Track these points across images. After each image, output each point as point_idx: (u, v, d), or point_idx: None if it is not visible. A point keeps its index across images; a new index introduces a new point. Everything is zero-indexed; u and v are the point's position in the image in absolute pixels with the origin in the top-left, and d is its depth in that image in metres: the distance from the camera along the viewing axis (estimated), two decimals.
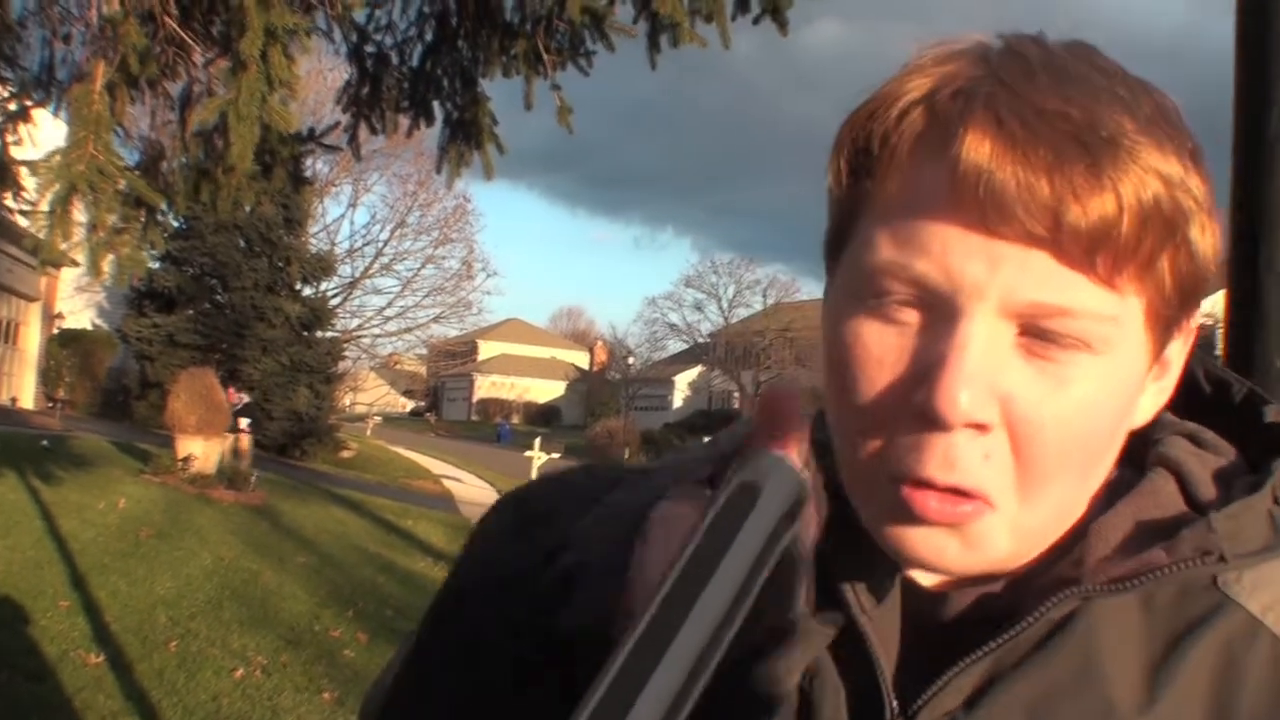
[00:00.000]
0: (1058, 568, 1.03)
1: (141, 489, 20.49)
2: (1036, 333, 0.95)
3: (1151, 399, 1.08)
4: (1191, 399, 1.17)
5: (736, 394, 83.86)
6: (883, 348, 0.98)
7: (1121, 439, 1.04)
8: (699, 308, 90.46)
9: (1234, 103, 2.55)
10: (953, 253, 0.94)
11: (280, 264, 41.34)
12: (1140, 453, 1.11)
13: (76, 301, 44.70)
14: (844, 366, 1.01)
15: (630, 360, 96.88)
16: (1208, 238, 0.98)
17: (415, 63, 8.34)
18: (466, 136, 8.25)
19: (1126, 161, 0.92)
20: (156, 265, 37.80)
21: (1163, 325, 1.01)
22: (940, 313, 0.96)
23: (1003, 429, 0.96)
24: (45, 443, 23.46)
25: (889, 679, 1.04)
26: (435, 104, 8.36)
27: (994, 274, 0.93)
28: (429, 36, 8.29)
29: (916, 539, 0.99)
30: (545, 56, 7.77)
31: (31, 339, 39.75)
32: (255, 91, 4.98)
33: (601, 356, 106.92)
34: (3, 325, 37.84)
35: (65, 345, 41.34)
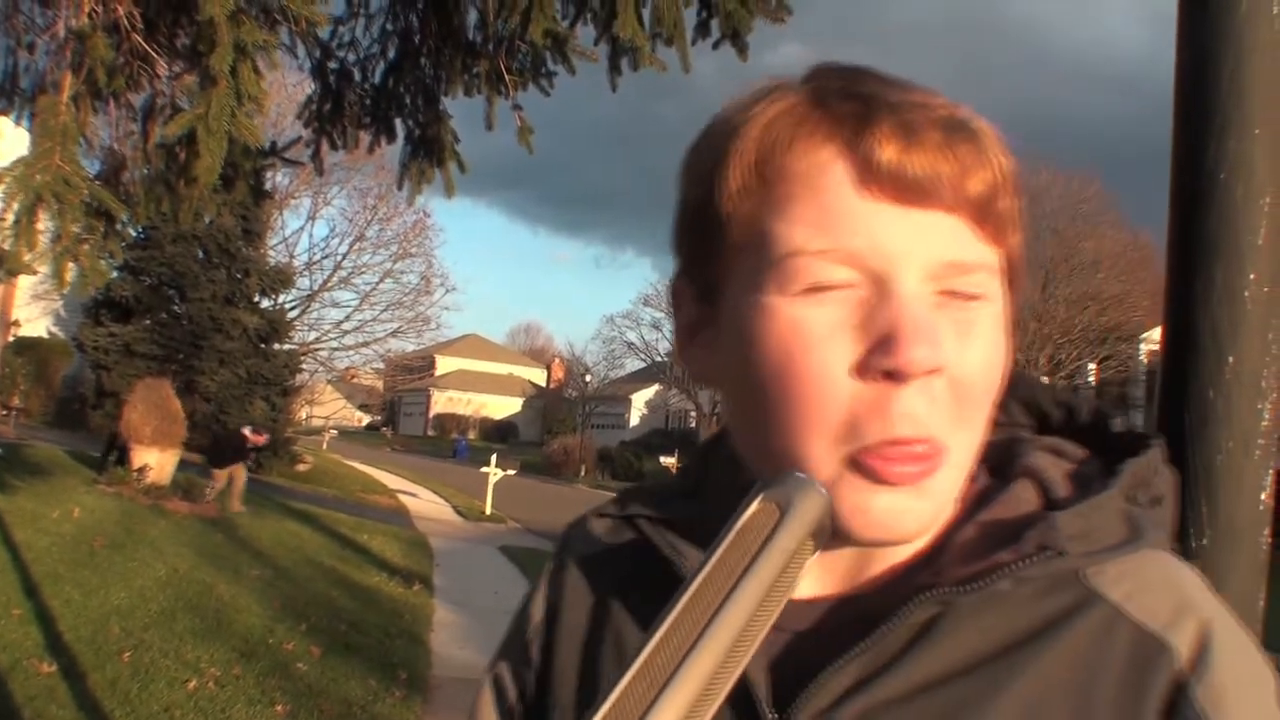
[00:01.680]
0: (922, 575, 1.13)
1: (96, 499, 20.41)
2: (949, 291, 1.09)
3: None
4: (1044, 427, 1.31)
5: (693, 413, 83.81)
6: (827, 326, 1.08)
7: None
8: (657, 326, 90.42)
9: (1172, 137, 2.60)
10: (878, 230, 1.07)
11: (239, 275, 41.25)
12: (1006, 468, 1.23)
13: (33, 309, 44.47)
14: (785, 359, 1.09)
15: (588, 378, 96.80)
16: (1023, 219, 1.16)
17: (378, 80, 8.37)
18: (428, 154, 8.29)
19: (987, 140, 1.10)
20: (115, 275, 37.59)
21: (1013, 278, 1.16)
22: (876, 284, 1.07)
23: (943, 378, 1.07)
24: None
25: (764, 690, 1.13)
26: (397, 121, 8.38)
27: (916, 242, 1.07)
28: (392, 54, 8.33)
29: (881, 510, 1.07)
30: (507, 77, 7.82)
31: None
32: (225, 106, 5.03)
33: (559, 374, 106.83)
34: None
35: (20, 353, 41.12)
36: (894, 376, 1.05)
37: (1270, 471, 2.38)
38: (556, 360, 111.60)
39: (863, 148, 1.07)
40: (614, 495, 1.39)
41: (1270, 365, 2.64)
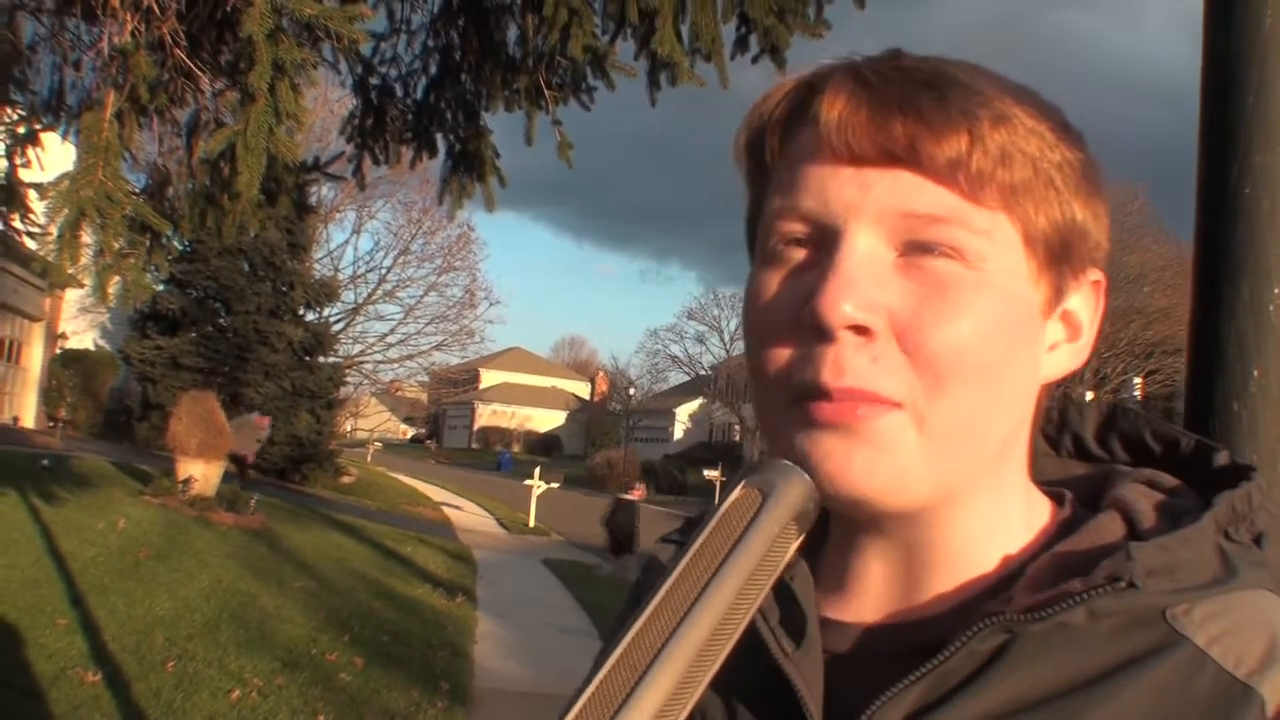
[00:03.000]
0: (991, 603, 1.06)
1: (141, 510, 20.51)
2: (914, 248, 1.06)
3: (1066, 358, 1.17)
4: (1143, 459, 1.24)
5: (737, 427, 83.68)
6: (776, 283, 1.10)
7: (1029, 372, 1.13)
8: (701, 340, 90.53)
9: (1198, 152, 2.61)
10: (828, 186, 1.07)
11: (284, 289, 41.43)
12: (1098, 499, 1.17)
13: (80, 322, 44.78)
14: (749, 317, 1.13)
15: (631, 391, 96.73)
16: (1087, 202, 1.11)
17: (419, 95, 8.43)
18: (468, 168, 8.35)
19: (977, 100, 1.06)
20: (161, 288, 37.81)
21: (1045, 256, 1.10)
22: (823, 240, 1.07)
23: (890, 337, 1.04)
24: (46, 462, 23.48)
25: (818, 715, 1.09)
26: (438, 136, 8.44)
27: (866, 195, 1.05)
28: (433, 70, 8.39)
29: (820, 454, 1.05)
30: (547, 92, 7.87)
31: (34, 358, 39.76)
32: (263, 123, 5.09)
33: (603, 387, 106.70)
34: (6, 344, 37.84)
35: (68, 365, 41.41)
36: (819, 332, 1.04)
37: None
38: (600, 374, 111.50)
39: (815, 109, 1.08)
40: (684, 520, 1.31)
41: None
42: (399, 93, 8.46)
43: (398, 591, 19.12)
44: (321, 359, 43.65)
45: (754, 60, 7.68)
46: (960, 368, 1.05)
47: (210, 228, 7.40)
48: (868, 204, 1.05)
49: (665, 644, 0.89)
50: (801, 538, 0.98)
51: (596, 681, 0.88)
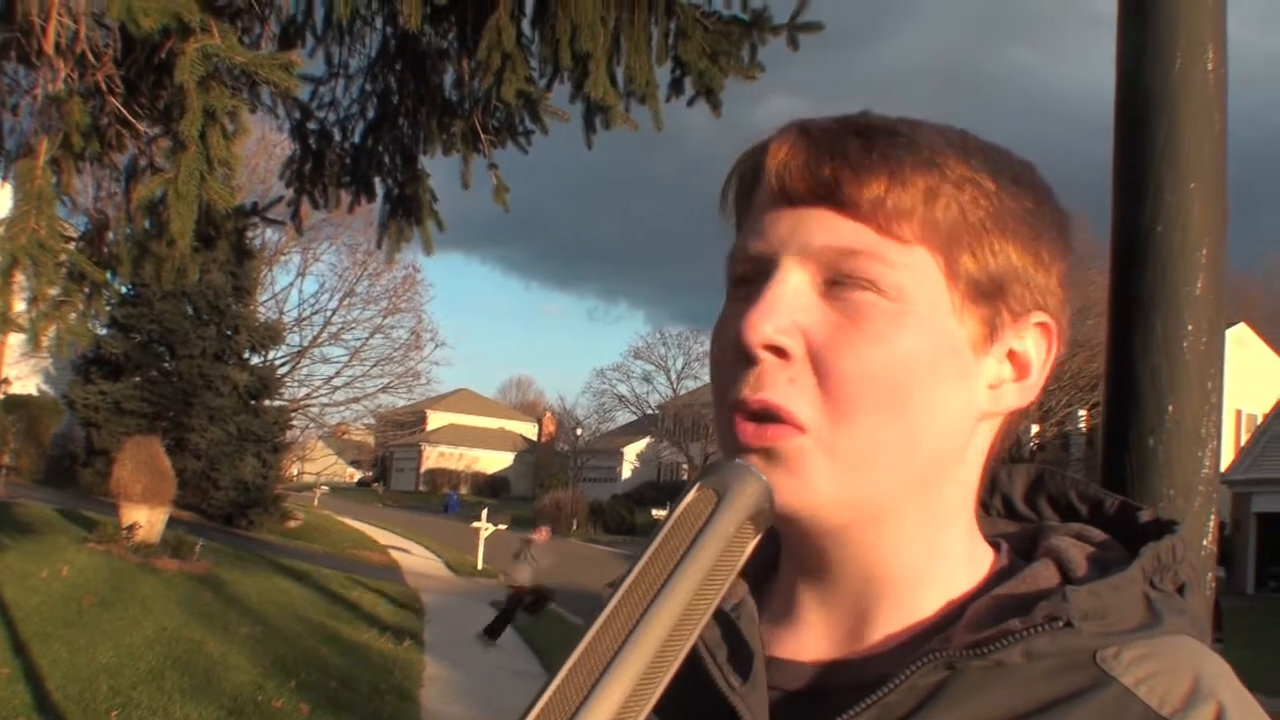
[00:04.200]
0: (932, 642, 1.11)
1: (85, 557, 20.33)
2: (835, 281, 1.13)
3: (1014, 395, 1.21)
4: (1072, 519, 1.30)
5: (685, 466, 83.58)
6: (725, 319, 1.18)
7: (953, 402, 1.16)
8: (648, 379, 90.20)
9: (1111, 190, 2.65)
10: (770, 226, 1.16)
11: (228, 332, 41.16)
12: (1031, 551, 1.23)
13: (23, 367, 44.31)
14: (711, 350, 1.21)
15: (579, 431, 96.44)
16: (1020, 247, 1.17)
17: (357, 139, 8.45)
18: (406, 212, 8.36)
19: (902, 146, 1.14)
20: (103, 332, 37.53)
21: (971, 293, 1.16)
22: (762, 274, 1.15)
23: (806, 361, 1.12)
24: None
25: None
26: (376, 180, 8.47)
27: (795, 232, 1.14)
28: (370, 114, 8.41)
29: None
30: (483, 135, 7.91)
31: None
32: (194, 170, 5.10)
33: (550, 427, 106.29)
34: None
35: (10, 411, 40.93)
36: (744, 357, 1.12)
37: (1212, 519, 2.44)
38: (548, 414, 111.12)
39: (765, 162, 1.17)
40: None
41: (1209, 414, 2.69)
42: (337, 137, 8.48)
43: (344, 636, 19.02)
44: (267, 402, 43.35)
45: (689, 103, 7.73)
46: (866, 394, 1.11)
47: (149, 273, 7.38)
48: (796, 240, 1.14)
49: (621, 647, 0.90)
50: (759, 537, 1.00)
51: (552, 687, 0.89)
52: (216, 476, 38.14)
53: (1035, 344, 1.20)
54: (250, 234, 8.67)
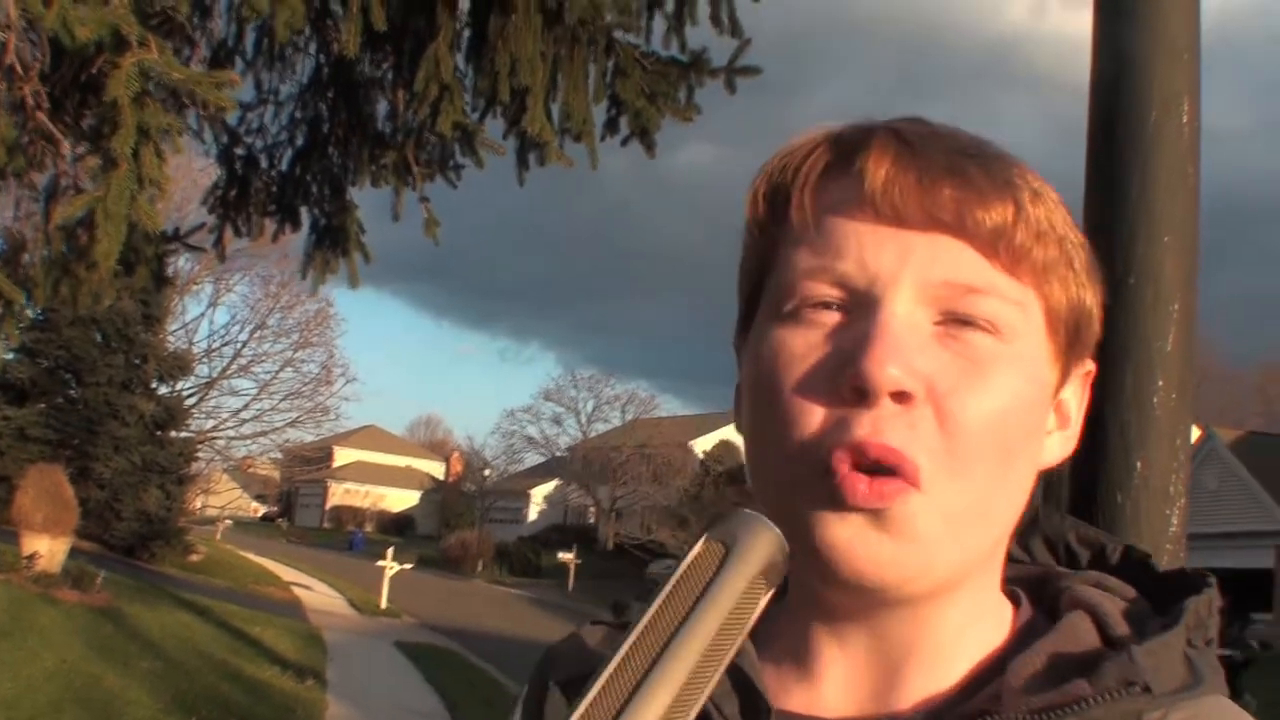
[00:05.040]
0: (973, 702, 1.04)
1: None
2: (952, 319, 1.04)
3: (1058, 445, 1.15)
4: (1070, 565, 1.22)
5: (592, 509, 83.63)
6: (806, 345, 1.05)
7: (1036, 457, 1.11)
8: (558, 421, 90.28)
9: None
10: (867, 249, 1.04)
11: (137, 361, 40.74)
12: (1051, 600, 1.15)
13: None
14: (768, 378, 1.07)
15: (486, 472, 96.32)
16: (1092, 287, 1.11)
17: (284, 167, 8.36)
18: (333, 243, 8.27)
19: (1018, 174, 1.06)
20: (10, 356, 37.07)
21: (1063, 339, 1.10)
22: (860, 305, 1.04)
23: (927, 404, 1.01)
24: None
25: None
26: (303, 209, 8.37)
27: (905, 261, 1.03)
28: (300, 142, 8.33)
29: (849, 539, 1.01)
30: (415, 168, 7.83)
31: None
32: (125, 190, 4.97)
33: (457, 467, 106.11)
34: None
35: None
36: (860, 394, 1.01)
37: None
38: (455, 453, 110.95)
39: (857, 168, 1.05)
40: (611, 602, 1.28)
41: (1178, 471, 2.64)
42: (264, 164, 8.38)
43: (246, 673, 18.78)
44: (173, 434, 42.96)
45: (623, 143, 7.73)
46: (985, 446, 1.03)
47: (65, 297, 7.24)
48: (908, 270, 1.03)
49: (622, 712, 0.83)
50: (771, 592, 0.93)
51: None
52: (119, 507, 37.66)
53: (1075, 391, 1.17)
54: (168, 261, 8.51)
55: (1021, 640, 1.09)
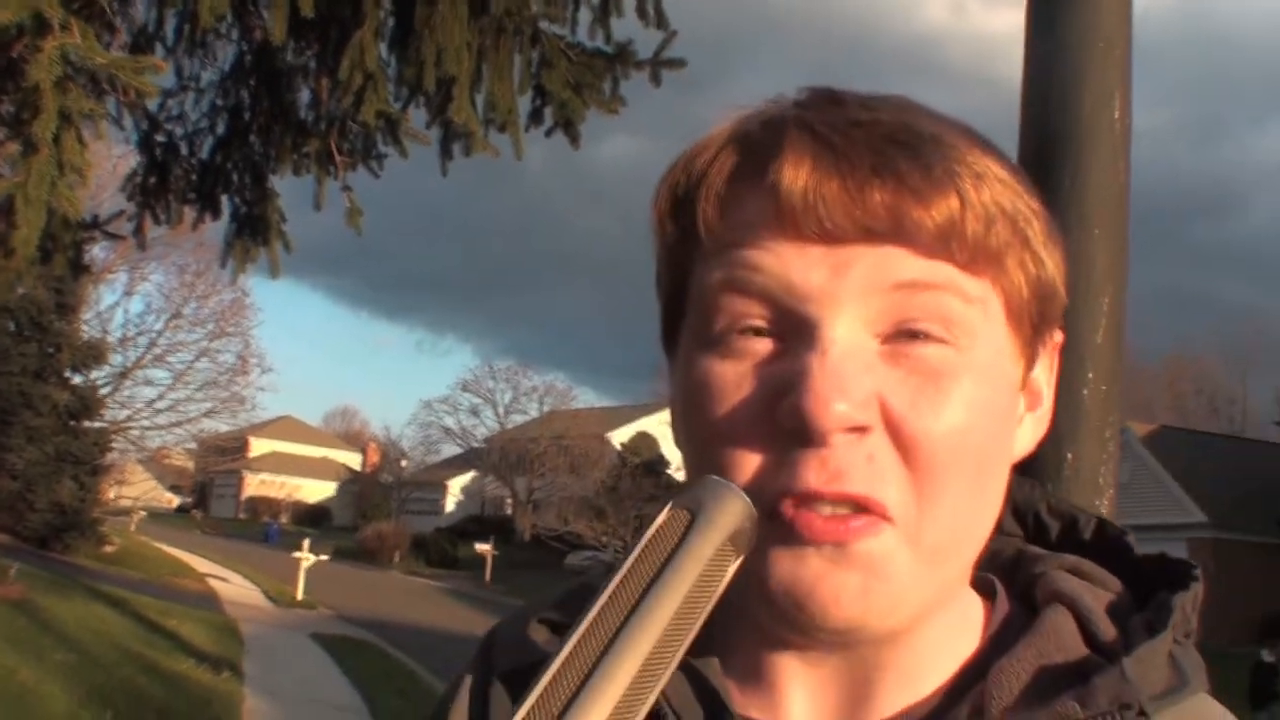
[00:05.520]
0: (953, 713, 0.98)
1: None
2: (899, 335, 0.94)
3: (1030, 430, 1.06)
4: (1039, 536, 1.15)
5: (509, 500, 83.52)
6: (737, 378, 0.96)
7: (1009, 461, 1.02)
8: (475, 412, 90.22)
9: None
10: (793, 270, 0.93)
11: (50, 350, 40.25)
12: (1025, 587, 1.09)
13: None
14: (700, 415, 0.98)
15: (403, 463, 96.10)
16: (1052, 251, 1.00)
17: (205, 155, 8.29)
18: (253, 232, 8.21)
19: (955, 157, 0.94)
20: None
21: (1027, 329, 1.00)
22: (794, 330, 0.94)
23: (883, 432, 0.92)
24: None
25: None
26: (223, 197, 8.31)
27: (840, 279, 0.92)
28: (221, 129, 8.26)
29: (809, 579, 0.93)
30: (337, 157, 7.78)
31: None
32: (45, 175, 4.90)
33: (374, 458, 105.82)
34: None
35: None
36: (800, 436, 0.91)
37: None
38: (372, 444, 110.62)
39: (771, 179, 0.94)
40: (565, 591, 1.15)
41: (1107, 463, 2.67)
42: (184, 151, 8.30)
43: (162, 666, 18.62)
44: (87, 424, 42.51)
45: (548, 134, 7.73)
46: (958, 469, 0.94)
47: None
48: (845, 288, 0.93)
49: (585, 683, 0.80)
50: (740, 560, 0.89)
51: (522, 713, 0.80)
52: (33, 498, 37.23)
53: (1047, 367, 1.07)
54: (86, 249, 8.42)
55: (1000, 640, 1.03)
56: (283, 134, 7.98)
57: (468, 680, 1.16)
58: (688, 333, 1.01)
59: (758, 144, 0.97)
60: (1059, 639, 1.00)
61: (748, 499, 0.89)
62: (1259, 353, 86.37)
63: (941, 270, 0.93)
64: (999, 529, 1.10)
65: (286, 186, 8.39)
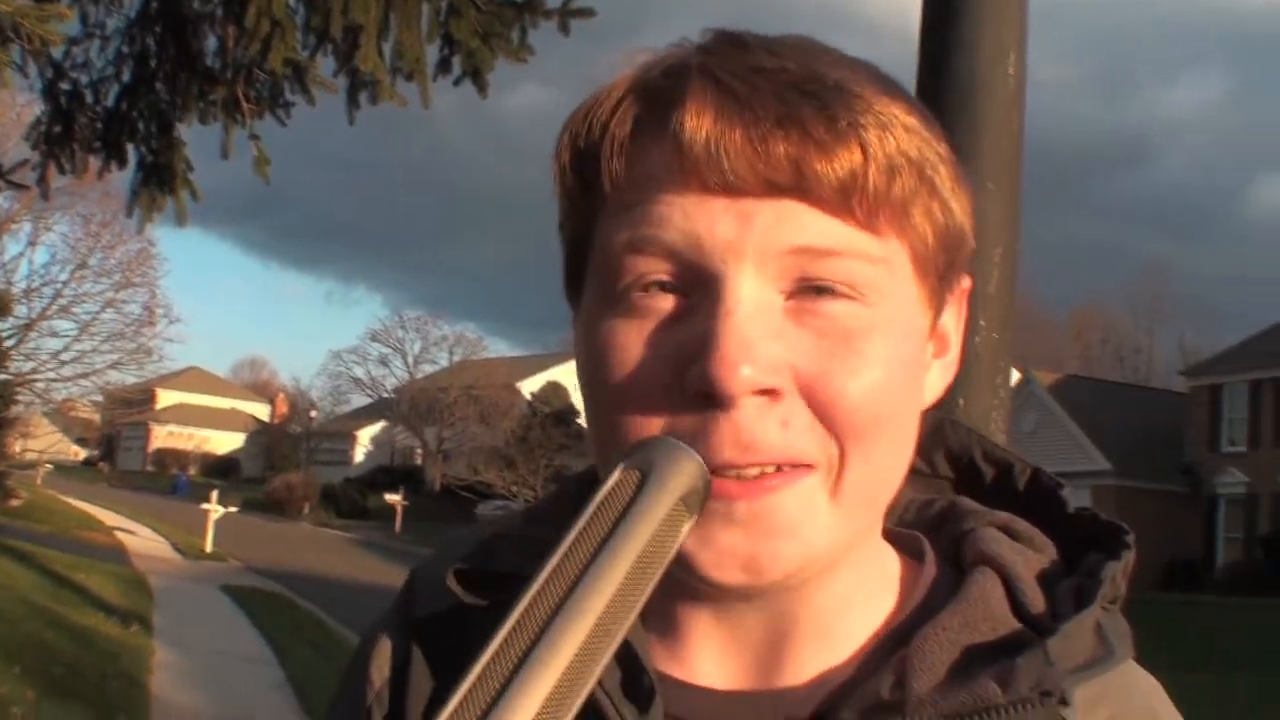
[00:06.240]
0: (875, 684, 0.96)
1: None
2: (805, 290, 0.93)
3: (938, 375, 1.06)
4: (973, 480, 1.15)
5: (419, 449, 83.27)
6: (641, 340, 0.94)
7: (920, 409, 1.02)
8: (384, 363, 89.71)
9: None
10: (697, 222, 0.92)
11: None
12: (953, 544, 1.08)
13: None
14: (604, 377, 0.96)
15: (312, 413, 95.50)
16: (960, 197, 0.98)
17: (110, 103, 8.21)
18: (160, 181, 8.14)
19: (860, 107, 0.92)
20: None
21: (934, 278, 0.99)
22: (698, 286, 0.93)
23: (796, 396, 0.92)
24: None
25: None
26: (129, 146, 8.23)
27: (745, 234, 0.91)
28: (126, 77, 8.18)
29: (723, 543, 0.92)
30: (244, 105, 7.74)
31: None
32: None
33: (283, 409, 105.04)
34: None
35: None
36: (710, 400, 0.90)
37: None
38: (281, 395, 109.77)
39: (673, 128, 0.92)
40: (479, 540, 1.12)
41: (999, 407, 2.74)
42: (90, 99, 8.20)
43: (70, 620, 18.45)
44: None
45: (456, 82, 7.71)
46: (874, 425, 0.94)
47: None
48: (749, 242, 0.91)
49: (535, 645, 0.79)
50: (693, 520, 0.88)
51: (461, 692, 0.78)
52: None
53: (954, 313, 1.06)
54: None
55: (927, 605, 1.02)
56: (189, 82, 7.92)
57: (389, 625, 1.15)
58: (591, 287, 1.00)
59: (660, 93, 0.95)
60: (986, 607, 1.00)
61: (700, 459, 0.88)
62: (1165, 304, 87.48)
63: (841, 232, 0.92)
64: (934, 473, 1.16)
65: (194, 135, 8.33)
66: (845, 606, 1.02)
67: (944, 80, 2.78)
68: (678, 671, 1.03)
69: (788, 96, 0.91)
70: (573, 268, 1.04)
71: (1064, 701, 0.94)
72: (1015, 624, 1.00)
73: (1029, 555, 1.05)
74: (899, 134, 0.93)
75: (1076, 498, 1.07)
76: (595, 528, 0.84)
